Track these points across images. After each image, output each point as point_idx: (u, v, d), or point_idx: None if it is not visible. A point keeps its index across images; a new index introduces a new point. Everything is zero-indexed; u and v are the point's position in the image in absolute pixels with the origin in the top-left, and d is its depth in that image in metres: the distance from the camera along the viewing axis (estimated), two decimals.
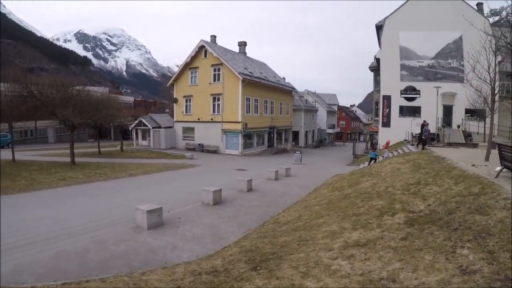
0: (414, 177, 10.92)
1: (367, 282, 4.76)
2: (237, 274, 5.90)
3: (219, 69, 37.72)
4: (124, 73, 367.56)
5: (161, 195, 15.09)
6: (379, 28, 37.55)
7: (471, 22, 30.54)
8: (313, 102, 69.99)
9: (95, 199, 14.19)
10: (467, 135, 28.95)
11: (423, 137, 22.58)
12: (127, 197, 14.51)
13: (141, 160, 29.18)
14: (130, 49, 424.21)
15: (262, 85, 41.74)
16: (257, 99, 40.24)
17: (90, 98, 26.56)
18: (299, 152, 32.07)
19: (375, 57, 40.14)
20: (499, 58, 30.81)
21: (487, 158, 13.68)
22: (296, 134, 57.32)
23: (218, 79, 37.94)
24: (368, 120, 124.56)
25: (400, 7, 35.53)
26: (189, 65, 40.05)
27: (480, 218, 6.12)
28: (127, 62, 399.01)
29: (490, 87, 22.16)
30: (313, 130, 65.90)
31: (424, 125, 22.71)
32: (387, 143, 25.45)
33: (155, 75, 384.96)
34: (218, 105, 38.17)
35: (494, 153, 11.53)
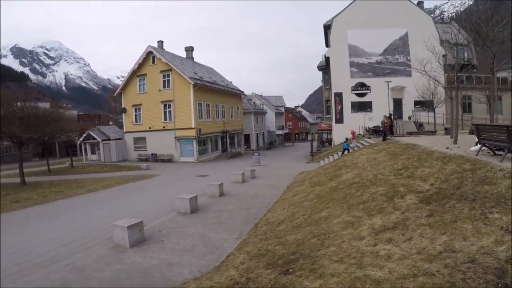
0: (397, 163, 10.87)
1: (430, 258, 4.54)
2: (268, 282, 5.27)
3: (168, 75, 36.41)
4: (64, 87, 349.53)
5: (130, 209, 13.97)
6: (327, 27, 38.72)
7: (416, 20, 33.82)
8: (261, 104, 70.27)
9: (57, 220, 12.56)
10: (419, 125, 30.46)
11: (380, 129, 23.84)
12: (93, 214, 13.19)
13: (95, 174, 27.35)
14: (68, 62, 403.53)
15: (213, 90, 41.01)
16: (208, 104, 39.39)
17: (36, 111, 24.40)
18: (257, 154, 31.77)
19: (324, 56, 41.42)
20: (443, 51, 33.46)
21: (455, 142, 14.23)
22: (247, 137, 57.14)
23: (168, 85, 36.63)
24: (314, 119, 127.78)
25: (347, 7, 36.99)
26: (136, 73, 38.34)
27: (489, 188, 6.27)
28: (66, 76, 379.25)
29: (433, 81, 24.10)
30: (263, 132, 66.19)
31: (384, 120, 23.56)
32: (353, 134, 25.93)
33: (95, 88, 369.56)
34: (170, 112, 36.82)
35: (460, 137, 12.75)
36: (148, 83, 38.00)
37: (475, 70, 35.11)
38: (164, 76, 36.79)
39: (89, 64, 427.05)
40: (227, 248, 8.23)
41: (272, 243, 7.46)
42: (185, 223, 10.93)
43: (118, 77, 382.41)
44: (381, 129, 24.10)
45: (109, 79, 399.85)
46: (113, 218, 11.77)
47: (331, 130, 61.69)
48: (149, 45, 37.07)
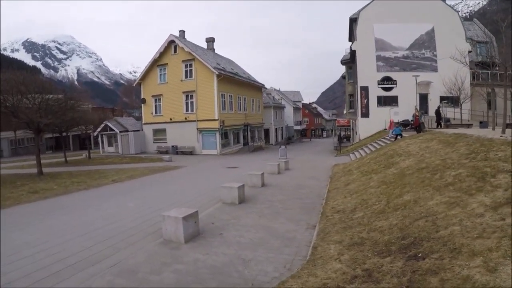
0: (459, 149, 10.21)
1: None
2: (399, 269, 4.54)
3: (191, 65, 35.10)
4: (76, 82, 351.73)
5: (166, 199, 12.71)
6: (353, 20, 37.85)
7: (442, 15, 33.58)
8: (279, 99, 68.98)
9: (84, 212, 10.93)
10: (446, 120, 29.95)
11: (411, 123, 24.65)
12: (125, 206, 11.85)
13: (116, 165, 26.07)
14: (80, 57, 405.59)
15: (236, 81, 39.69)
16: (231, 95, 38.09)
17: (56, 98, 23.23)
18: (284, 147, 30.64)
19: (350, 49, 40.50)
20: (469, 48, 33.05)
21: (503, 132, 14.51)
22: (266, 132, 55.78)
23: (191, 76, 35.31)
24: (330, 116, 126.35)
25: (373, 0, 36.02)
26: (157, 62, 37.09)
27: None
28: (78, 70, 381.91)
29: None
30: (282, 127, 65.01)
31: (416, 114, 23.79)
32: (391, 122, 25.10)
33: (107, 82, 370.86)
34: (192, 103, 35.50)
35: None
36: (169, 73, 36.71)
37: (497, 68, 34.16)
38: (186, 66, 35.47)
39: (101, 58, 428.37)
40: (302, 239, 7.28)
41: (361, 231, 6.72)
42: (238, 213, 9.73)
43: (130, 72, 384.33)
44: (412, 122, 24.18)
45: (121, 74, 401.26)
46: (150, 210, 10.70)
47: (349, 126, 61.40)
48: (171, 34, 35.81)
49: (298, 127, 77.53)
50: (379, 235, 6.16)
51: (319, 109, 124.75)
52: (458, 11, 36.72)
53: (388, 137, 24.76)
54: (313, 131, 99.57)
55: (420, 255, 4.73)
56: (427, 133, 17.81)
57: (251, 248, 6.81)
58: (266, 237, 7.48)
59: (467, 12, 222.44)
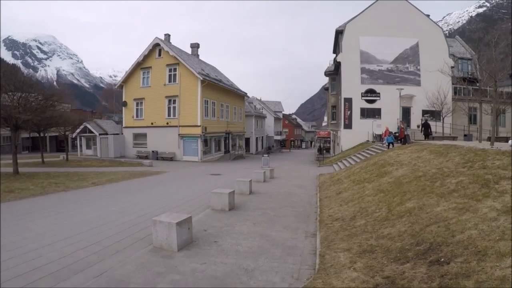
0: (453, 159, 10.41)
1: None
2: (423, 275, 4.42)
3: (175, 69, 34.46)
4: (55, 83, 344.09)
5: (151, 204, 12.13)
6: (339, 32, 38.26)
7: (426, 31, 34.62)
8: (260, 108, 68.87)
9: (64, 215, 10.22)
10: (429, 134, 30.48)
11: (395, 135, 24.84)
12: (107, 209, 11.16)
13: (95, 168, 25.12)
14: (61, 58, 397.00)
15: (219, 88, 39.18)
16: (214, 102, 37.53)
17: (37, 89, 22.20)
18: (266, 155, 30.37)
19: (334, 61, 40.91)
20: (452, 63, 34.20)
21: (492, 144, 14.91)
22: (247, 141, 55.46)
23: (174, 80, 34.63)
24: (309, 127, 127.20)
25: (360, 13, 36.85)
26: (141, 65, 36.21)
27: None
28: (58, 71, 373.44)
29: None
30: (262, 136, 64.82)
31: (401, 126, 24.63)
32: (387, 130, 25.02)
33: (87, 85, 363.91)
34: (174, 108, 34.74)
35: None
36: (152, 76, 35.89)
37: (477, 84, 35.50)
38: (170, 70, 34.78)
39: (82, 61, 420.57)
40: (304, 248, 7.02)
41: (368, 238, 6.61)
42: (230, 221, 9.31)
43: (110, 76, 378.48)
44: (396, 135, 24.47)
45: (101, 77, 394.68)
46: (135, 215, 10.17)
47: (329, 137, 61.96)
48: (156, 37, 35.03)
49: (278, 137, 77.55)
50: (389, 242, 6.02)
51: (299, 120, 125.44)
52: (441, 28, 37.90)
53: (382, 144, 25.31)
54: (292, 142, 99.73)
55: (442, 259, 4.66)
56: (415, 144, 17.99)
57: (252, 257, 6.41)
58: (265, 246, 7.10)
59: (447, 30, 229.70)
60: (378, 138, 32.23)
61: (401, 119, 32.83)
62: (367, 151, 25.68)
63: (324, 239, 7.24)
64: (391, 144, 22.55)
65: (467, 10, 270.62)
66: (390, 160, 14.50)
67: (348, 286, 4.61)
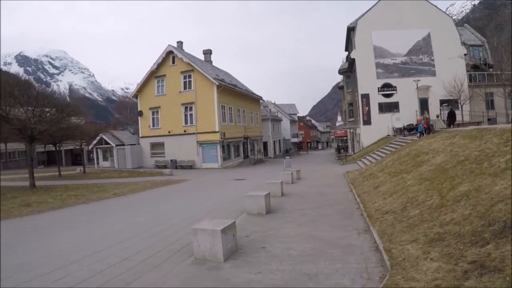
0: (491, 140, 9.68)
1: None
2: None
3: (190, 76, 33.99)
4: (67, 97, 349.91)
5: (179, 213, 11.46)
6: (351, 29, 38.01)
7: (437, 21, 34.30)
8: (276, 112, 68.23)
9: (87, 228, 9.63)
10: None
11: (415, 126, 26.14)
12: (133, 220, 10.50)
13: (114, 180, 24.62)
14: (73, 72, 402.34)
15: (235, 92, 38.62)
16: (231, 107, 36.92)
17: (52, 100, 21.87)
18: (288, 158, 29.80)
19: (347, 58, 40.92)
20: (465, 51, 33.72)
21: None
22: (265, 145, 54.64)
23: (190, 87, 34.14)
24: (324, 128, 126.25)
25: (370, 8, 36.57)
26: (155, 74, 35.79)
27: None
28: (70, 86, 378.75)
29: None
30: (279, 140, 64.05)
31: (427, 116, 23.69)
32: (420, 120, 24.51)
33: (99, 99, 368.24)
34: (191, 115, 34.20)
35: None
36: (167, 84, 35.48)
37: (490, 69, 36.84)
38: (185, 77, 34.31)
39: (93, 74, 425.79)
40: (361, 245, 6.53)
41: (431, 227, 6.06)
42: (272, 224, 8.64)
43: (122, 89, 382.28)
44: (423, 125, 23.38)
45: (113, 90, 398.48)
46: (164, 225, 9.43)
47: (346, 136, 61.29)
48: (169, 44, 34.72)
49: (295, 140, 76.77)
50: (457, 227, 5.52)
51: (313, 121, 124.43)
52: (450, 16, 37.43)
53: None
54: (308, 144, 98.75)
55: None
56: (442, 133, 17.27)
57: (309, 261, 5.73)
58: (319, 247, 6.46)
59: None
60: (399, 131, 31.85)
61: (419, 111, 32.41)
62: (390, 145, 25.13)
63: (382, 233, 6.71)
64: (421, 134, 22.30)
65: None
66: (423, 149, 13.93)
67: (434, 277, 4.19)
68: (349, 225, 8.10)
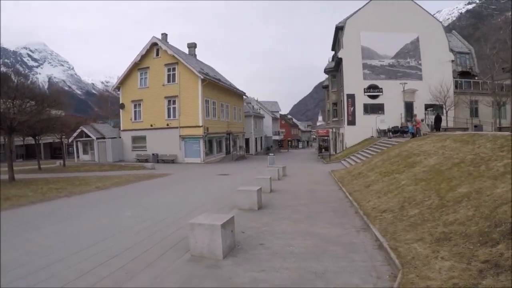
0: (485, 145, 9.92)
1: None
2: None
3: (174, 69, 33.34)
4: (47, 90, 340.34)
5: (168, 207, 11.05)
6: (339, 29, 37.99)
7: (426, 25, 34.70)
8: (258, 109, 67.90)
9: (71, 222, 9.07)
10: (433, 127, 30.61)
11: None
12: (120, 215, 9.99)
13: (96, 173, 23.83)
14: (52, 65, 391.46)
15: (219, 87, 38.18)
16: (214, 102, 36.40)
17: (32, 90, 20.96)
18: (272, 155, 29.62)
19: (334, 57, 40.85)
20: (452, 57, 34.33)
21: None
22: (247, 141, 54.26)
23: (173, 80, 33.51)
24: (305, 127, 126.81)
25: (360, 8, 36.62)
26: (138, 66, 34.94)
27: None
28: (49, 79, 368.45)
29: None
30: (261, 137, 63.82)
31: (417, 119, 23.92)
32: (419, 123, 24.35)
33: (79, 92, 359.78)
34: (174, 108, 33.60)
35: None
36: (150, 77, 34.72)
37: (476, 78, 37.65)
38: (169, 70, 33.64)
39: (73, 67, 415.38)
40: (363, 243, 6.43)
41: (434, 226, 6.06)
42: (265, 220, 8.44)
43: (102, 82, 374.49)
44: (414, 127, 23.76)
45: (93, 83, 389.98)
46: (153, 220, 9.04)
47: (328, 136, 61.48)
48: (153, 36, 33.98)
49: (276, 137, 76.64)
50: (462, 227, 5.53)
51: (295, 120, 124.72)
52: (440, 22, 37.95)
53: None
54: (289, 142, 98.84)
55: None
56: (430, 136, 17.53)
57: (313, 259, 5.56)
58: (320, 244, 6.33)
59: None
60: (383, 133, 31.93)
61: (404, 114, 33.22)
62: (375, 146, 25.22)
63: (383, 232, 6.66)
64: (412, 135, 22.69)
65: (456, 7, 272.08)
66: (414, 151, 14.00)
67: (449, 276, 4.18)
68: (345, 223, 8.01)
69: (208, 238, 5.64)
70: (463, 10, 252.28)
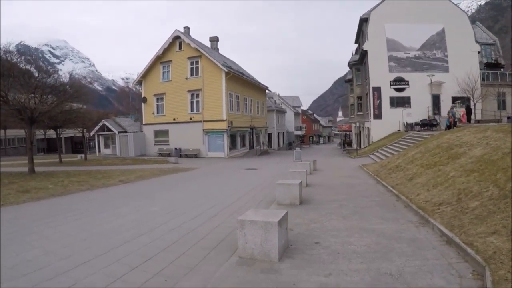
0: None
1: None
2: None
3: (197, 62, 32.81)
4: (68, 86, 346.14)
5: (199, 202, 10.32)
6: (363, 21, 37.27)
7: (452, 16, 33.38)
8: (280, 104, 67.00)
9: (95, 218, 8.31)
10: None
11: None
12: (147, 210, 9.26)
13: (118, 166, 23.42)
14: (73, 62, 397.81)
15: (242, 81, 37.48)
16: (238, 96, 35.80)
17: (54, 83, 20.65)
18: (298, 149, 28.87)
19: (359, 50, 40.38)
20: (479, 48, 32.97)
21: None
22: (269, 136, 53.51)
23: (197, 73, 32.99)
24: (326, 122, 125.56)
25: (383, 0, 35.58)
26: (160, 59, 34.60)
27: None
28: (70, 75, 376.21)
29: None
30: (283, 132, 63.00)
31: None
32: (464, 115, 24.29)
33: (99, 88, 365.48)
34: (198, 102, 33.11)
35: None
36: (173, 70, 34.29)
37: (502, 69, 37.11)
38: (192, 63, 33.14)
39: (94, 64, 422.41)
40: (427, 239, 5.83)
41: (505, 217, 5.46)
42: (311, 216, 7.71)
43: (122, 79, 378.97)
44: (449, 119, 23.33)
45: (113, 80, 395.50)
46: (185, 216, 8.30)
47: (350, 131, 60.45)
48: (176, 29, 33.53)
49: (298, 133, 75.57)
50: None
51: (315, 115, 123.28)
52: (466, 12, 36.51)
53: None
54: (310, 137, 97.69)
55: None
56: (466, 127, 16.83)
57: (381, 258, 4.88)
58: (382, 242, 5.67)
59: None
60: (410, 127, 31.20)
61: (432, 107, 32.34)
62: (404, 139, 24.44)
63: (449, 226, 6.09)
64: (447, 127, 22.14)
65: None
66: (455, 142, 13.28)
67: None
68: (399, 218, 7.41)
69: (261, 237, 4.85)
70: (482, 2, 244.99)
